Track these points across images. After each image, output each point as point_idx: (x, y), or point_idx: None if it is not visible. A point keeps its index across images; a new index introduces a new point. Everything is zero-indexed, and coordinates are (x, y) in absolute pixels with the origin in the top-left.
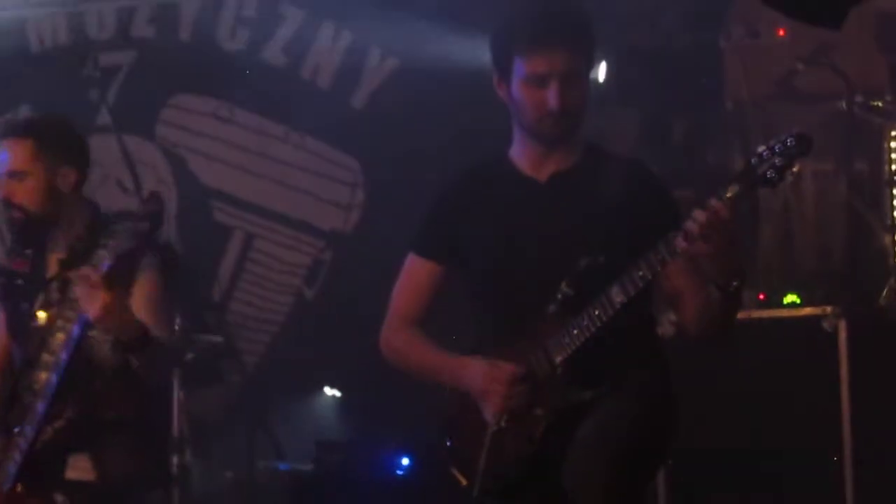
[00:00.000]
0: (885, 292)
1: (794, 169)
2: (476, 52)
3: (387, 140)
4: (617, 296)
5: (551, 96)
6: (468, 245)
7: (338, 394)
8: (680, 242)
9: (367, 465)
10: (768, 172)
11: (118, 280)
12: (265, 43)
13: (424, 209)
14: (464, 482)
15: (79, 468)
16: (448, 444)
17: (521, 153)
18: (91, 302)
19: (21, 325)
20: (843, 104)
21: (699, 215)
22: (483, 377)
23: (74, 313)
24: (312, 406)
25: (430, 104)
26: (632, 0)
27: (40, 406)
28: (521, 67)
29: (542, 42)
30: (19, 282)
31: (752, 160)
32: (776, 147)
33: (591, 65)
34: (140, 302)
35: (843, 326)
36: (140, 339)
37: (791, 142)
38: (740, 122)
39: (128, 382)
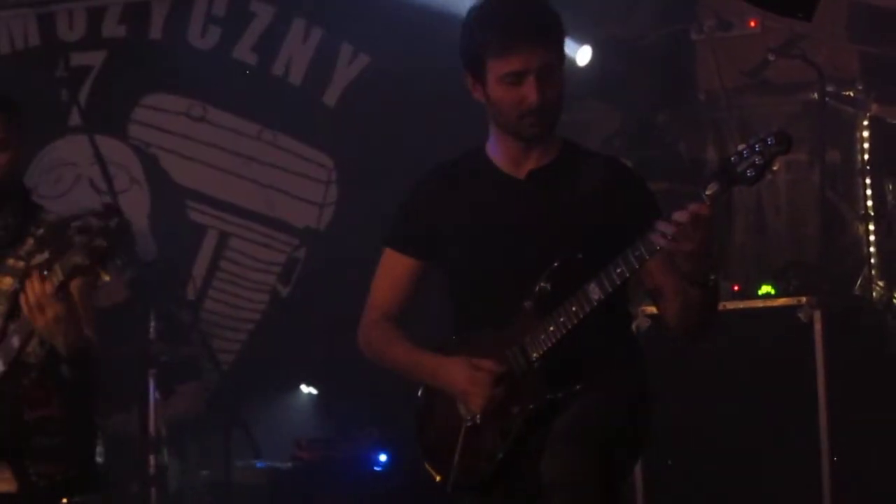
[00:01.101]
0: (859, 282)
1: (774, 168)
2: (449, 47)
3: (359, 137)
4: (594, 292)
5: (530, 92)
6: (445, 241)
7: (314, 391)
8: (658, 240)
9: (344, 461)
10: (748, 171)
11: (68, 294)
12: (236, 41)
13: (399, 203)
14: (437, 477)
15: (0, 479)
16: (422, 438)
17: (498, 150)
18: (40, 316)
19: None
20: (815, 94)
21: (679, 216)
22: (463, 379)
23: (17, 332)
24: (289, 404)
25: (403, 100)
26: None
27: None
28: (495, 68)
29: (516, 41)
30: None
31: (732, 158)
32: (756, 145)
33: (563, 58)
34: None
35: (818, 316)
36: (83, 353)
37: (771, 140)
38: (713, 113)
39: (55, 380)
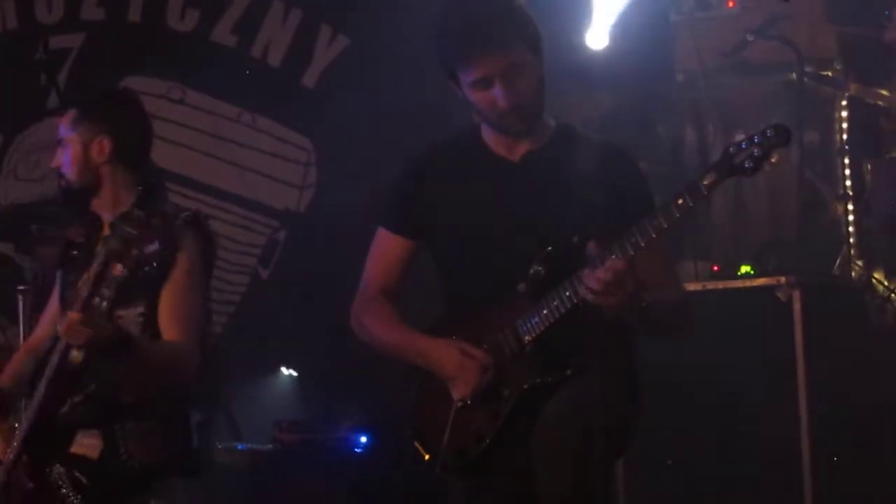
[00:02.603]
0: (838, 261)
1: (773, 160)
2: (428, 28)
3: (339, 119)
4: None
5: (499, 97)
6: (440, 222)
7: (294, 373)
8: (586, 294)
9: (325, 444)
10: (745, 162)
11: (111, 299)
12: (215, 23)
13: (393, 182)
14: (426, 456)
15: (85, 444)
16: (412, 417)
17: (491, 136)
18: (75, 337)
19: (69, 295)
20: (794, 75)
21: (601, 274)
22: (453, 365)
23: (110, 291)
24: (269, 386)
25: (382, 82)
26: None
27: (41, 387)
28: (463, 76)
29: (473, 51)
30: (74, 252)
31: (730, 149)
32: (755, 137)
33: (537, 45)
34: (170, 289)
35: (797, 296)
36: (117, 345)
37: (770, 132)
38: (691, 94)
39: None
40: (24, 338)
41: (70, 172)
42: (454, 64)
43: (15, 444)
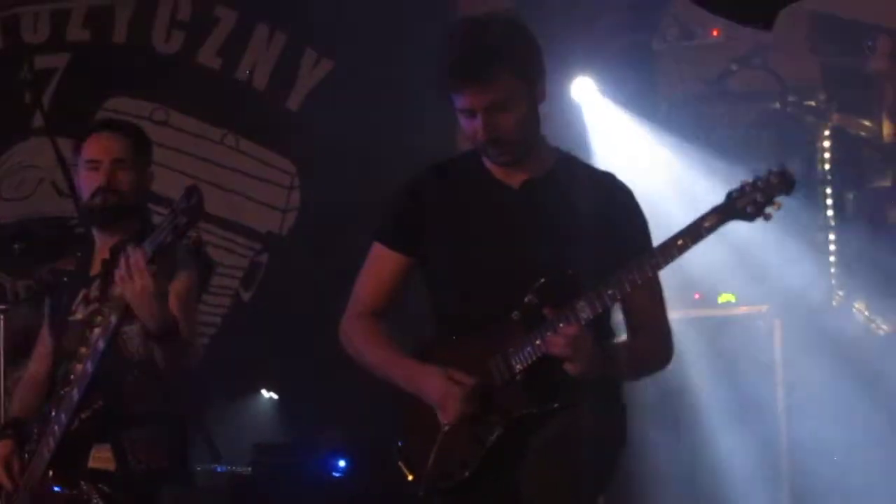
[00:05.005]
0: (819, 290)
1: (774, 207)
2: (412, 54)
3: (322, 142)
4: (583, 311)
5: (479, 129)
6: (435, 241)
7: (275, 396)
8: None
9: (304, 467)
10: (748, 207)
11: (157, 269)
12: (200, 45)
13: (391, 198)
14: (410, 477)
15: (100, 458)
16: (399, 438)
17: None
18: (130, 284)
19: (61, 319)
20: (777, 104)
21: (556, 340)
22: (438, 391)
23: (113, 310)
24: (249, 408)
25: (366, 105)
26: (567, 2)
27: (75, 394)
28: (454, 100)
29: (460, 83)
30: (65, 279)
31: (733, 193)
32: (758, 182)
33: (532, 81)
34: (172, 300)
35: (777, 325)
36: (169, 333)
37: (774, 179)
38: (676, 122)
39: (156, 378)
40: (4, 355)
41: (130, 192)
42: (446, 86)
43: (46, 457)
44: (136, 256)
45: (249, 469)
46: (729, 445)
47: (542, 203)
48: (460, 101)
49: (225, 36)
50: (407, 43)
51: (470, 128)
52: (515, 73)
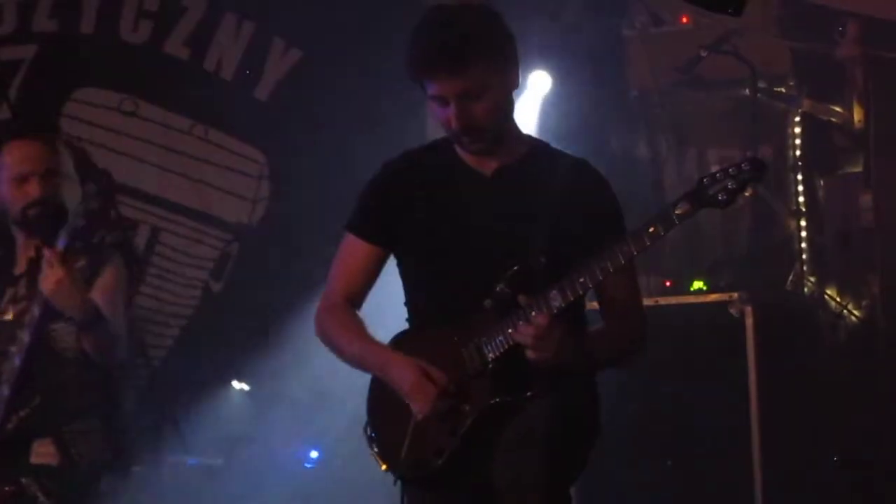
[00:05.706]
0: (790, 277)
1: (746, 193)
2: (381, 42)
3: (292, 131)
4: (554, 299)
5: (452, 117)
6: (407, 230)
7: (246, 387)
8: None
9: (275, 458)
10: (720, 195)
11: (72, 257)
12: (168, 35)
13: (363, 187)
14: (383, 466)
15: (42, 453)
16: (370, 427)
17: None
18: (48, 278)
19: None
20: (747, 90)
21: (526, 330)
22: (410, 383)
23: (35, 303)
24: (221, 400)
25: (335, 95)
26: None
27: (5, 390)
28: (427, 87)
29: (432, 70)
30: None
31: (705, 180)
32: (730, 169)
33: (504, 69)
34: (98, 294)
35: (749, 312)
36: (91, 319)
37: (745, 166)
38: (645, 109)
39: (90, 371)
40: None
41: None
42: (419, 74)
43: None
44: (49, 252)
45: (221, 461)
46: (700, 435)
47: (514, 190)
48: (433, 89)
49: (192, 26)
50: (378, 31)
51: (443, 115)
52: (489, 61)
